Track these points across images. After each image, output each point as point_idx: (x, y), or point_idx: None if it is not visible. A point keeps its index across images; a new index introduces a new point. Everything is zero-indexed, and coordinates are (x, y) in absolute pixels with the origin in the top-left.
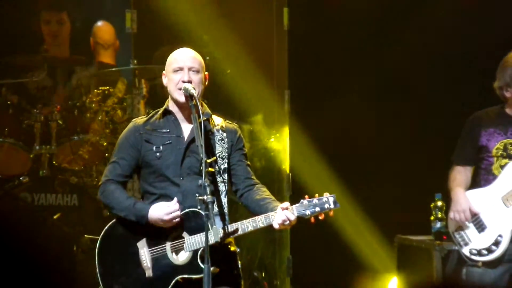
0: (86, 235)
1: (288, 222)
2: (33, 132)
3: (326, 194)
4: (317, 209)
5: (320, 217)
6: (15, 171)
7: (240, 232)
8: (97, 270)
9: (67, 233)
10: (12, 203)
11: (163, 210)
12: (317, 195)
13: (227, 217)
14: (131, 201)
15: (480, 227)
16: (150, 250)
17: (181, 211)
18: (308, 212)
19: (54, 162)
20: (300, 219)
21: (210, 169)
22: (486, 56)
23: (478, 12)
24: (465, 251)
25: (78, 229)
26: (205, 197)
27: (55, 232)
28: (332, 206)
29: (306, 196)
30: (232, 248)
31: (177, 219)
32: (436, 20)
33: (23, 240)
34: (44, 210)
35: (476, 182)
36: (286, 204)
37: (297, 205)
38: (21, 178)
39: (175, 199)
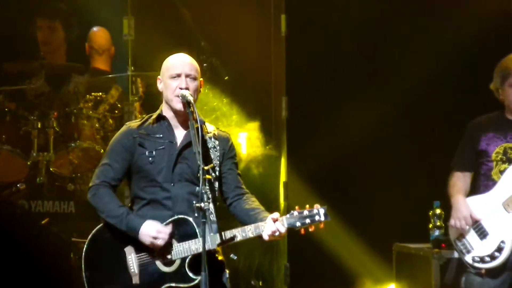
0: (81, 243)
1: (278, 233)
2: (30, 139)
3: (317, 206)
4: (308, 221)
5: (310, 229)
6: (12, 178)
7: (231, 241)
8: (83, 275)
9: (64, 240)
10: (9, 210)
11: (155, 230)
12: (307, 206)
13: (216, 225)
14: (124, 210)
15: (482, 233)
16: (137, 256)
17: (171, 217)
18: (298, 224)
19: (51, 169)
20: (290, 230)
21: (207, 176)
22: (486, 64)
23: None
24: (468, 258)
25: (74, 236)
26: (202, 204)
27: (52, 239)
28: (322, 218)
29: (297, 207)
30: (220, 258)
31: (162, 242)
32: (436, 26)
33: (20, 247)
34: (41, 217)
35: (475, 188)
36: (276, 214)
37: (287, 216)
38: (18, 185)
39: (169, 220)
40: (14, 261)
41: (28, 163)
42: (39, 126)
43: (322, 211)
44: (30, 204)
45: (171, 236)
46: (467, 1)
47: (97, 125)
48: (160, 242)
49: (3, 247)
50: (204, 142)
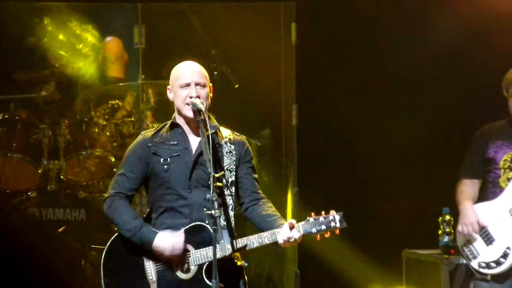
0: (92, 245)
1: (293, 239)
2: (41, 147)
3: (333, 212)
4: (323, 227)
5: (326, 235)
6: (23, 186)
7: (246, 247)
8: (102, 282)
9: (75, 247)
10: (20, 218)
11: (168, 242)
12: (323, 213)
13: (233, 232)
14: (138, 222)
15: (488, 240)
16: (155, 264)
17: (188, 225)
18: (314, 230)
19: (62, 177)
20: (306, 236)
21: (218, 183)
22: (498, 69)
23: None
24: (474, 264)
25: (86, 244)
26: (213, 212)
27: (63, 247)
28: (338, 225)
29: (313, 214)
30: (239, 263)
31: (178, 252)
32: (441, 31)
33: (32, 255)
34: (52, 225)
35: (483, 195)
36: (293, 221)
37: (303, 222)
38: (29, 193)
39: (182, 230)
40: (25, 269)
41: (39, 171)
42: (50, 134)
43: (338, 217)
44: (41, 212)
45: (187, 242)
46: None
47: (115, 132)
48: (177, 252)
49: (15, 255)
50: (217, 149)
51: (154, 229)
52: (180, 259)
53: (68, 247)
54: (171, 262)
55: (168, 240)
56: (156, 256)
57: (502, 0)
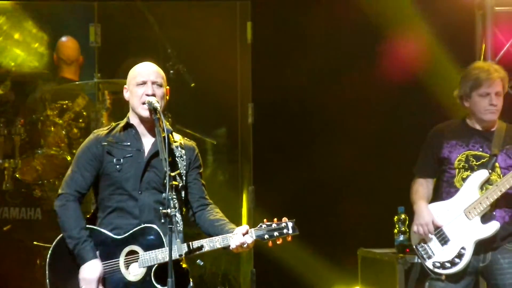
0: (35, 242)
1: (246, 245)
2: None
3: (285, 219)
4: (276, 233)
5: (278, 242)
6: None
7: (197, 251)
8: (47, 282)
9: (29, 247)
10: None
11: (94, 274)
12: (275, 219)
13: (182, 234)
14: (82, 235)
15: (443, 240)
16: (102, 264)
17: (137, 225)
18: (266, 236)
19: (17, 175)
20: (258, 241)
21: (174, 182)
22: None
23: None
24: (428, 264)
25: (41, 243)
26: (168, 210)
27: (17, 246)
28: (290, 231)
29: (265, 220)
30: (184, 266)
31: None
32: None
33: None
34: (7, 224)
35: (438, 194)
36: (245, 227)
37: (255, 228)
38: None
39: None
40: None
41: None
42: (5, 133)
43: (290, 224)
44: None
45: (136, 244)
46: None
47: (63, 132)
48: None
49: None
50: (171, 151)
51: (93, 252)
52: (129, 259)
53: (23, 246)
54: (119, 263)
55: (93, 273)
56: (104, 255)
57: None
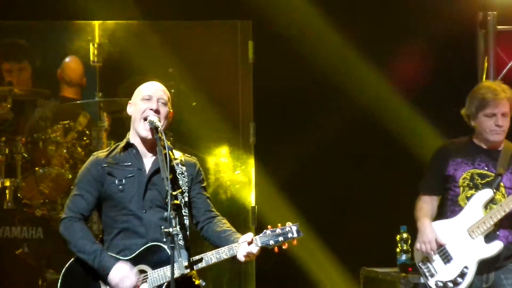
0: (49, 270)
1: (252, 254)
2: None
3: (289, 224)
4: (281, 238)
5: (283, 247)
6: None
7: (203, 264)
8: None
9: (32, 266)
10: None
11: (123, 273)
12: (279, 224)
13: (185, 251)
14: (97, 247)
15: (446, 258)
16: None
17: (144, 244)
18: (271, 242)
19: (19, 194)
20: (264, 249)
21: (175, 201)
22: (452, 87)
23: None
24: (431, 283)
25: (43, 263)
26: (170, 229)
27: (20, 265)
28: (295, 235)
29: (269, 226)
30: (196, 282)
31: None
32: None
33: None
34: (9, 243)
35: (442, 213)
36: (250, 235)
37: (260, 235)
38: None
39: (142, 250)
40: None
41: None
42: (6, 151)
43: (294, 228)
44: None
45: (145, 262)
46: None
47: (65, 152)
48: (127, 284)
49: None
50: (172, 168)
51: (114, 257)
52: (138, 279)
53: (25, 265)
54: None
55: (123, 273)
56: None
57: None
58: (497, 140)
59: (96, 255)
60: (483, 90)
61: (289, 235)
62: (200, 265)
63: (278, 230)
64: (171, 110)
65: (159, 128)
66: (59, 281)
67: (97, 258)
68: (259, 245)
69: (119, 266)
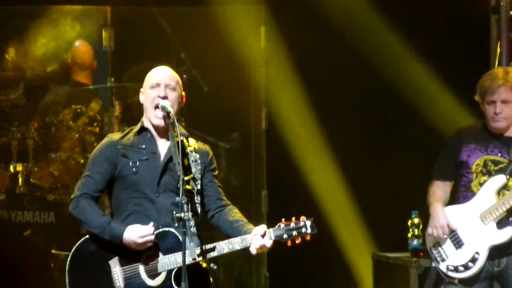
0: (58, 252)
1: (265, 247)
2: (10, 149)
3: (303, 218)
4: (295, 233)
5: (297, 241)
6: None
7: (216, 253)
8: None
9: (44, 250)
10: None
11: (137, 233)
12: (294, 219)
13: (197, 238)
14: (106, 219)
15: (458, 243)
16: (122, 269)
17: (155, 229)
18: (285, 236)
19: (31, 179)
20: (277, 242)
21: (187, 186)
22: (464, 73)
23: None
24: (442, 267)
25: (55, 247)
26: (182, 215)
27: (32, 249)
28: (309, 230)
29: (283, 220)
30: (204, 265)
31: (150, 244)
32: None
33: (1, 257)
34: (21, 228)
35: (455, 198)
36: (263, 227)
37: (274, 228)
38: None
39: (151, 223)
40: None
41: (8, 173)
42: (18, 136)
43: (308, 223)
44: (10, 215)
45: (157, 247)
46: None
47: (76, 136)
48: (147, 238)
49: None
50: (185, 155)
51: (123, 224)
52: (149, 263)
53: (37, 249)
54: (139, 267)
55: (137, 230)
56: (124, 260)
57: None
58: (498, 127)
59: (105, 226)
60: (484, 78)
61: (303, 230)
62: (212, 254)
63: (292, 224)
64: (183, 93)
65: (170, 113)
66: (68, 261)
67: (106, 229)
68: (273, 238)
69: (130, 228)
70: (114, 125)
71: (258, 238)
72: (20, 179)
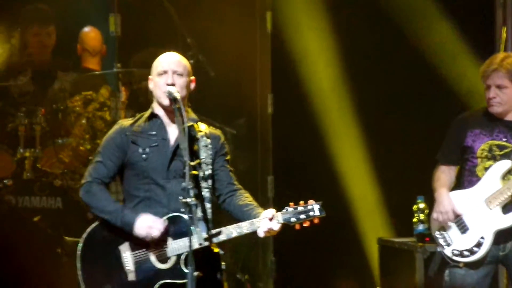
0: (66, 237)
1: (273, 230)
2: (17, 135)
3: (312, 202)
4: (303, 216)
5: (305, 224)
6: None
7: (224, 237)
8: (79, 274)
9: (51, 235)
10: None
11: (149, 223)
12: (302, 202)
13: (210, 223)
14: (119, 206)
15: (463, 228)
16: (133, 254)
17: (166, 214)
18: (293, 219)
19: (38, 165)
20: (285, 225)
21: (193, 171)
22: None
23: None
24: (447, 251)
25: (62, 232)
26: (188, 200)
27: (39, 235)
28: (317, 213)
29: (291, 204)
30: (215, 250)
31: (157, 232)
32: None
33: (8, 242)
34: (28, 213)
35: (460, 183)
36: (271, 211)
37: (282, 212)
38: (5, 181)
39: (165, 218)
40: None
41: (15, 159)
42: (26, 122)
43: (317, 206)
44: (17, 200)
45: (166, 232)
46: None
47: (85, 123)
48: (155, 232)
49: None
50: (196, 140)
51: (135, 212)
52: (158, 248)
53: (44, 235)
54: (149, 251)
55: (149, 221)
56: (134, 244)
57: None
58: (494, 112)
59: (118, 214)
60: (485, 63)
61: (311, 213)
62: (221, 238)
63: (300, 208)
64: (193, 78)
65: (177, 99)
66: (81, 246)
67: (119, 216)
68: (281, 221)
69: (142, 218)
70: (120, 111)
71: (265, 221)
72: (27, 165)
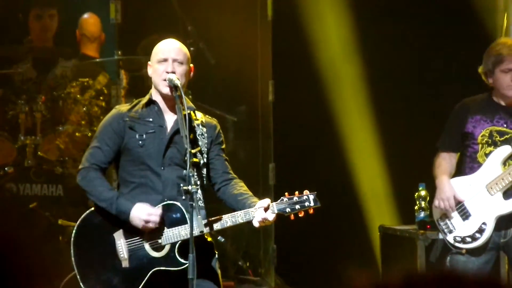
0: (62, 221)
1: (268, 220)
2: (18, 122)
3: (307, 192)
4: (297, 206)
5: (300, 215)
6: (0, 161)
7: (219, 226)
8: (73, 259)
9: (52, 223)
10: None
11: (145, 212)
12: (297, 192)
13: (204, 211)
14: (114, 193)
15: (464, 214)
16: (127, 241)
17: (161, 201)
18: (288, 210)
19: (39, 152)
20: (280, 215)
21: (194, 159)
22: (469, 46)
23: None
24: (449, 238)
25: (63, 219)
26: (189, 187)
27: (40, 222)
28: (312, 204)
29: (286, 194)
30: (209, 239)
31: (153, 225)
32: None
33: (8, 229)
34: (29, 200)
35: (460, 169)
36: (267, 201)
37: (277, 202)
38: (6, 169)
39: (160, 206)
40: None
41: (16, 146)
42: (26, 110)
43: (311, 197)
44: (18, 188)
45: (161, 221)
46: None
47: (84, 110)
48: (151, 224)
49: None
50: (192, 128)
51: (130, 201)
52: (153, 236)
53: (45, 222)
54: (144, 239)
55: (145, 211)
56: (128, 232)
57: None
58: None
59: (113, 201)
60: (499, 46)
61: (306, 203)
62: (215, 227)
63: (296, 198)
64: (192, 65)
65: (178, 87)
66: (73, 232)
67: (114, 204)
68: (275, 211)
69: (138, 206)
70: (121, 98)
71: (260, 211)
72: (27, 152)
